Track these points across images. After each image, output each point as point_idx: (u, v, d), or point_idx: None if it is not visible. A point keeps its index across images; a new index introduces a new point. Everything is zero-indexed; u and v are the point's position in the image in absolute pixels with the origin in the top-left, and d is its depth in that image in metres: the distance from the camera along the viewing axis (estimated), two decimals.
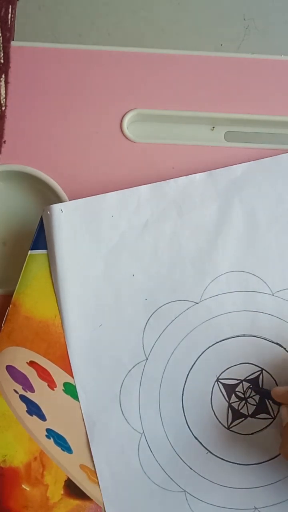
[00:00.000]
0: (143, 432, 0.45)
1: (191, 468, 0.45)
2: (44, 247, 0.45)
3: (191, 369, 0.45)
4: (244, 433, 0.45)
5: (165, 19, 0.53)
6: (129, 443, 0.45)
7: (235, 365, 0.45)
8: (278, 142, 0.51)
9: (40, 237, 0.45)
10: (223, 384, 0.45)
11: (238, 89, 0.50)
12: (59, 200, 0.48)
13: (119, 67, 0.50)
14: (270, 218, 0.46)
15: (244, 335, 0.45)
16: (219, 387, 0.45)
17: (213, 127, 0.51)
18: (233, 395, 0.45)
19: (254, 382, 0.45)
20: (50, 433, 0.45)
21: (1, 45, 0.48)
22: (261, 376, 0.45)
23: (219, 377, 0.45)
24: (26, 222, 0.49)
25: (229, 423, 0.45)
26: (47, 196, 0.49)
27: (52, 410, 0.45)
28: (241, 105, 0.50)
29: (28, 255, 0.45)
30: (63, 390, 0.45)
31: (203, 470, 0.45)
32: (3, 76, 0.49)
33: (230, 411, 0.45)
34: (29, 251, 0.45)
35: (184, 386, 0.45)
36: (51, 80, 0.50)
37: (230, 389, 0.45)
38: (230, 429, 0.45)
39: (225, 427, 0.45)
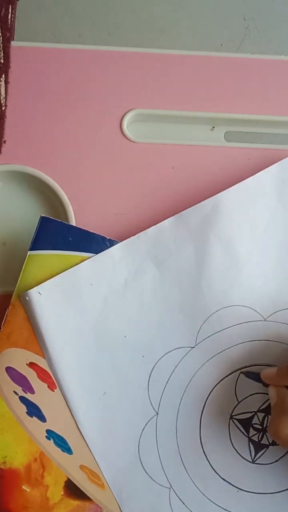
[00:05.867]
0: (171, 486, 0.43)
1: (226, 510, 0.43)
2: (44, 247, 0.43)
3: (202, 412, 0.43)
4: (269, 462, 0.43)
5: (165, 19, 0.51)
6: (159, 500, 0.43)
7: (245, 398, 0.43)
8: (278, 142, 0.49)
9: (39, 237, 0.43)
10: (238, 420, 0.43)
11: (238, 89, 0.49)
12: (59, 200, 0.46)
13: (119, 67, 0.48)
14: (247, 245, 0.43)
15: (246, 367, 0.43)
16: (235, 424, 0.43)
17: (213, 127, 0.49)
18: (251, 428, 0.43)
19: (268, 411, 0.43)
20: (50, 434, 0.43)
21: (1, 45, 0.46)
22: None
23: (232, 414, 0.43)
24: (26, 222, 0.47)
25: (253, 457, 0.43)
26: (47, 196, 0.47)
27: (52, 411, 0.43)
28: (241, 105, 0.48)
29: (27, 256, 0.43)
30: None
31: (238, 508, 0.43)
32: (3, 76, 0.47)
33: (251, 444, 0.43)
34: (29, 251, 0.43)
35: (200, 431, 0.43)
36: (51, 80, 0.48)
37: (246, 423, 0.43)
38: (255, 462, 0.43)
39: (250, 461, 0.43)
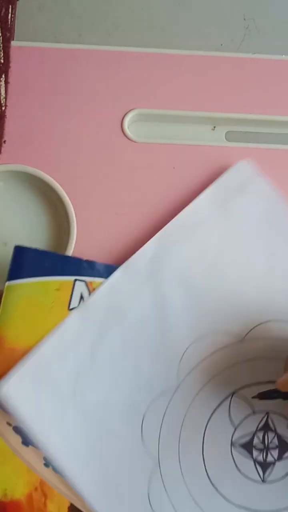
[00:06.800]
0: None
1: None
2: (20, 276, 0.42)
3: (203, 449, 0.42)
4: (279, 477, 0.42)
5: (165, 19, 0.51)
6: None
7: (241, 422, 0.42)
8: (278, 142, 0.48)
9: (15, 267, 0.42)
10: (240, 445, 0.42)
11: (239, 89, 0.48)
12: (60, 200, 0.46)
13: (119, 67, 0.48)
14: (202, 275, 0.43)
15: (235, 391, 0.42)
16: (237, 450, 0.42)
17: (214, 127, 0.49)
18: (253, 449, 0.42)
19: (266, 428, 0.42)
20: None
21: (1, 45, 0.45)
22: (269, 420, 0.42)
23: (233, 441, 0.42)
24: (27, 222, 0.47)
25: (263, 477, 0.42)
26: (48, 196, 0.47)
27: None
28: (242, 105, 0.48)
29: (5, 286, 0.42)
30: None
31: None
32: (3, 76, 0.46)
33: (257, 465, 0.42)
34: (6, 282, 0.42)
35: (205, 468, 0.42)
36: (51, 80, 0.48)
37: (248, 446, 0.42)
38: (266, 482, 0.42)
39: (260, 482, 0.42)
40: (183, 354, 0.42)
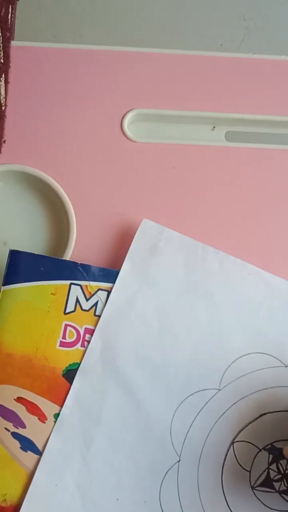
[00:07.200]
0: None
1: None
2: (16, 281, 0.42)
3: (228, 505, 0.42)
4: None
5: (165, 19, 0.51)
6: None
7: (252, 464, 0.42)
8: (278, 142, 0.48)
9: (11, 271, 0.42)
10: (260, 485, 0.42)
11: (238, 89, 0.48)
12: (59, 200, 0.46)
13: (119, 67, 0.48)
14: (155, 347, 0.43)
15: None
16: (260, 490, 0.42)
17: (214, 127, 0.49)
18: (273, 483, 0.42)
19: (276, 459, 0.42)
20: None
21: (1, 45, 0.45)
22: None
23: (252, 484, 0.42)
24: (27, 222, 0.47)
25: None
26: (48, 196, 0.47)
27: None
28: (242, 105, 0.48)
29: (1, 292, 0.42)
30: (54, 421, 0.42)
31: None
32: (3, 76, 0.46)
33: (284, 495, 0.42)
34: (2, 287, 0.42)
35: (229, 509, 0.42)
36: (51, 80, 0.48)
37: (267, 482, 0.42)
38: None
39: None
40: (170, 427, 0.42)
